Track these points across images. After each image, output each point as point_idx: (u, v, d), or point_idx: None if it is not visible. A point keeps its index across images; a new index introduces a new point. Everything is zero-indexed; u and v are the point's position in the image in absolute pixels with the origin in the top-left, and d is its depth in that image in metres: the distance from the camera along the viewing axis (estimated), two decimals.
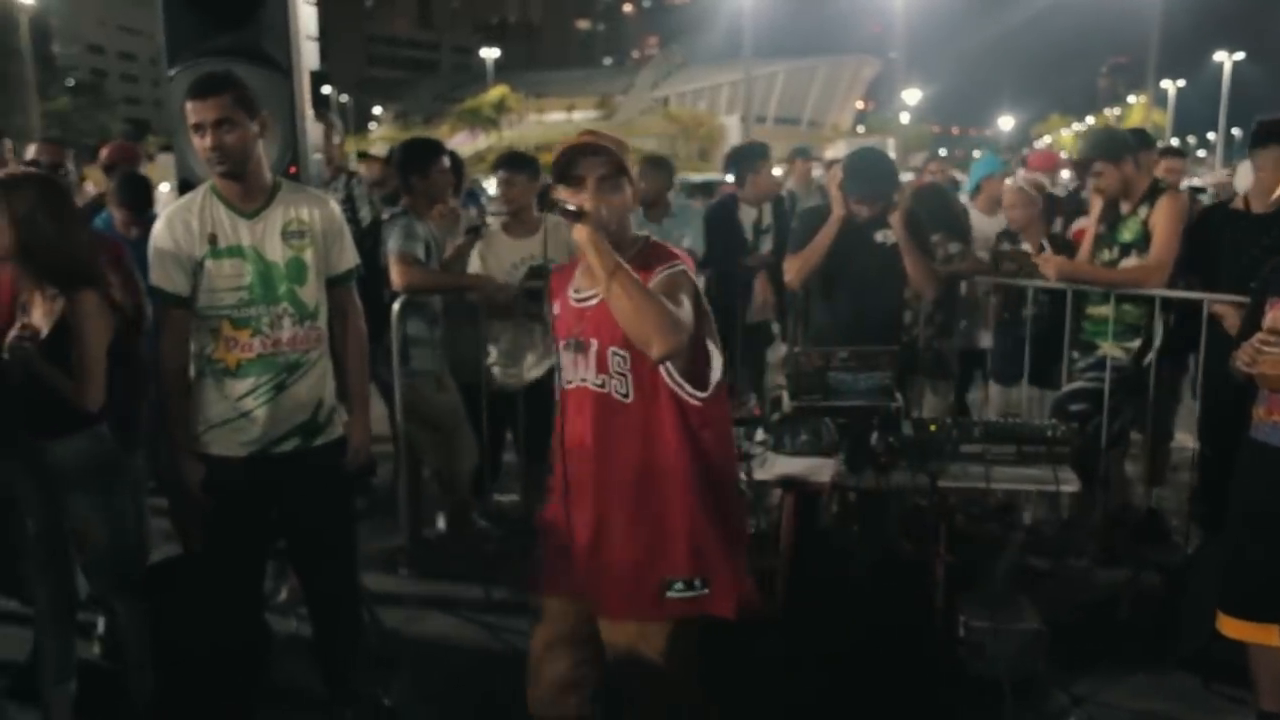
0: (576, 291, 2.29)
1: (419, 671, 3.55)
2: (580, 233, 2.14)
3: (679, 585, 2.22)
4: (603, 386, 2.23)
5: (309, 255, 2.83)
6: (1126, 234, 4.13)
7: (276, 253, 2.79)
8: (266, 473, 2.82)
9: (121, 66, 77.01)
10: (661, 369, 2.19)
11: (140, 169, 5.22)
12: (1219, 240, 4.09)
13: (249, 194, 2.78)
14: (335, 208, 2.97)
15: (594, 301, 2.22)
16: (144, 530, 3.71)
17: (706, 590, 2.23)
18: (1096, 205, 4.24)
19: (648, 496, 2.24)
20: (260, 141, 2.79)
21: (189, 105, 2.70)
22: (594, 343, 2.22)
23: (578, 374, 2.25)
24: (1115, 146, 4.12)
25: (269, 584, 3.88)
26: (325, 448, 2.91)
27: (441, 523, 4.72)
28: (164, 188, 6.06)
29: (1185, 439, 4.94)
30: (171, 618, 3.13)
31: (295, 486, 2.86)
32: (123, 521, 2.99)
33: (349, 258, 2.96)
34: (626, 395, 2.22)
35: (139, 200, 4.27)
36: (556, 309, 2.33)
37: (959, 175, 17.29)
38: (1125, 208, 4.14)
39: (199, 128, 2.68)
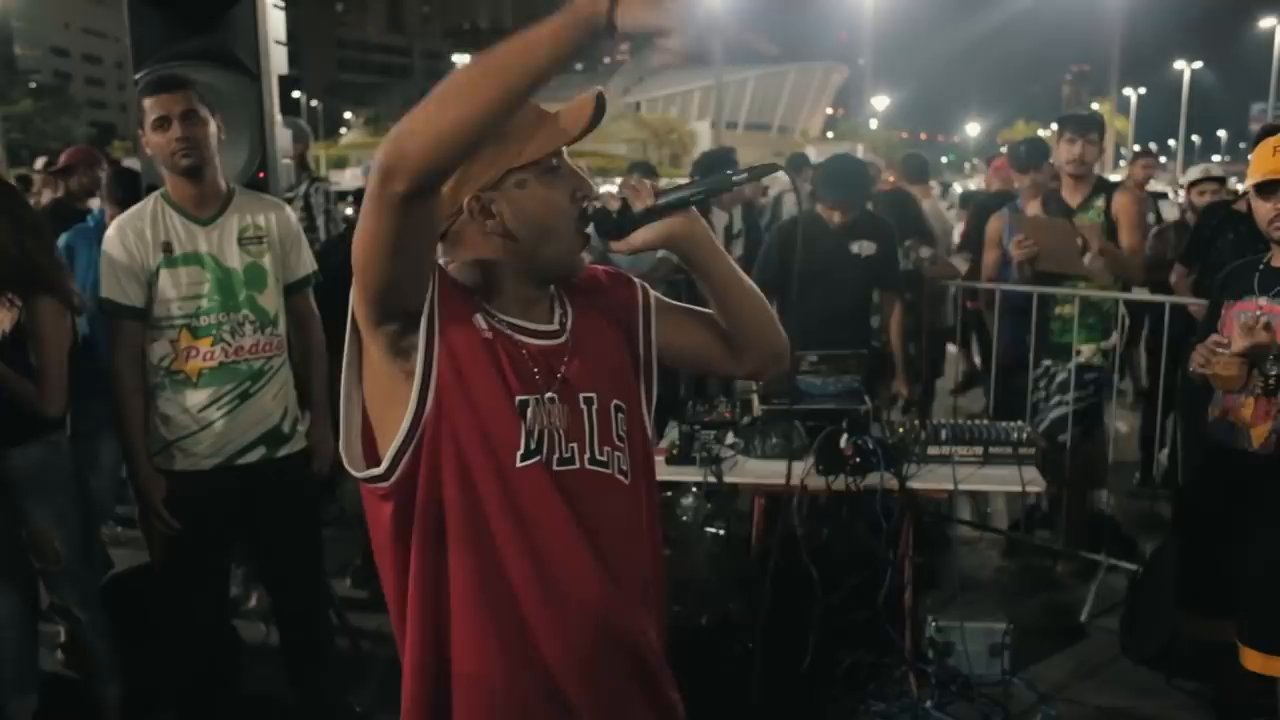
0: (519, 324, 1.43)
1: (390, 678, 3.53)
2: (696, 227, 1.48)
3: None
4: (606, 465, 1.45)
5: (267, 261, 2.80)
6: (1086, 222, 4.20)
7: (234, 259, 2.75)
8: (232, 484, 2.78)
9: (86, 70, 76.22)
10: (649, 422, 1.59)
11: (100, 172, 5.14)
12: (1216, 240, 4.17)
13: (204, 199, 2.74)
14: (291, 213, 2.94)
15: (563, 339, 1.47)
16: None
17: None
18: (1034, 207, 4.35)
19: (653, 626, 1.52)
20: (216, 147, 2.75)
21: (150, 101, 2.66)
22: (591, 398, 1.45)
23: (554, 452, 1.40)
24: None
25: (238, 590, 3.86)
26: (291, 458, 2.87)
27: None
28: None
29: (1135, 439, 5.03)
30: (137, 628, 3.11)
31: (262, 497, 2.82)
32: (83, 530, 2.95)
33: (306, 264, 2.92)
34: (627, 473, 1.48)
35: (133, 196, 4.21)
36: (442, 351, 1.35)
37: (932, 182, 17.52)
38: (1074, 200, 4.21)
39: (164, 121, 2.64)
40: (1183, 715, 3.21)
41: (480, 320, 1.39)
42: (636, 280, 1.61)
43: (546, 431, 1.39)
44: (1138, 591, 3.45)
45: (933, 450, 3.31)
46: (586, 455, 1.43)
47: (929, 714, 3.22)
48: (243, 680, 3.16)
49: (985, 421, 3.55)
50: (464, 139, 1.15)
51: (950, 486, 3.27)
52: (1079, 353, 4.21)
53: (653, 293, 1.61)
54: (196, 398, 2.72)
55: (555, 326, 1.47)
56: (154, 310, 2.70)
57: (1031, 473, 3.28)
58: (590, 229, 1.44)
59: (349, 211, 6.26)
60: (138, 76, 3.35)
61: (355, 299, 1.31)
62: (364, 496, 1.43)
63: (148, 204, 2.75)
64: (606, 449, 1.45)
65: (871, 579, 3.32)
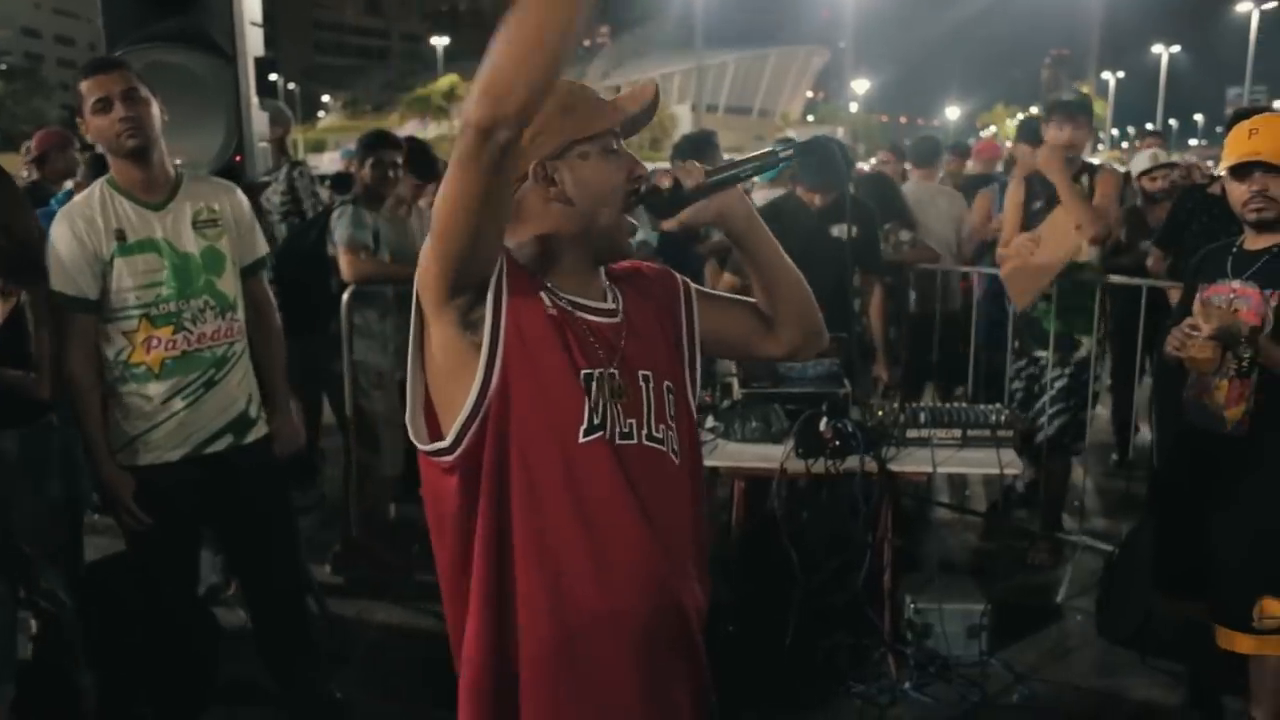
0: (579, 301, 1.47)
1: (371, 663, 3.53)
2: (743, 203, 1.55)
3: None
4: (661, 442, 1.49)
5: (225, 244, 2.75)
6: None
7: (190, 244, 2.68)
8: (201, 474, 2.73)
9: (58, 51, 75.09)
10: (694, 408, 1.61)
11: (74, 153, 5.08)
12: (1192, 224, 4.20)
13: (153, 184, 2.66)
14: (242, 196, 2.88)
15: (619, 318, 1.51)
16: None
17: None
18: (1018, 185, 4.37)
19: (698, 605, 1.56)
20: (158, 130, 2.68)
21: (87, 84, 2.58)
22: (648, 376, 1.50)
23: (617, 428, 1.44)
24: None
25: (217, 578, 3.84)
26: (258, 444, 2.84)
27: (393, 513, 4.70)
28: None
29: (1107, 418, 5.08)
30: (116, 615, 3.09)
31: (232, 485, 2.78)
32: (71, 514, 2.94)
33: (260, 246, 2.89)
34: (678, 454, 1.52)
35: None
36: (509, 323, 1.39)
37: (908, 166, 17.55)
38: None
39: (104, 102, 2.56)
40: (1157, 694, 3.26)
41: (545, 298, 1.43)
42: (675, 273, 1.66)
43: (609, 406, 1.43)
44: (1113, 572, 3.48)
45: (911, 433, 3.33)
46: (644, 432, 1.47)
47: (907, 695, 3.25)
48: (222, 667, 3.15)
49: (964, 404, 3.57)
50: (551, 61, 1.18)
51: (929, 469, 3.29)
52: (1079, 344, 4.22)
53: (692, 283, 1.66)
54: (159, 388, 2.66)
55: (611, 305, 1.52)
56: (110, 301, 2.61)
57: (1009, 455, 3.30)
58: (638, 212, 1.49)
59: (326, 196, 6.20)
60: None
61: (427, 273, 1.35)
62: (425, 471, 1.45)
63: (94, 191, 2.64)
64: (661, 427, 1.49)
65: (851, 562, 3.35)
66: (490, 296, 1.37)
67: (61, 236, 2.59)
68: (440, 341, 1.39)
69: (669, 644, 1.48)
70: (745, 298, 1.67)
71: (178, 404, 2.68)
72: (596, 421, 1.40)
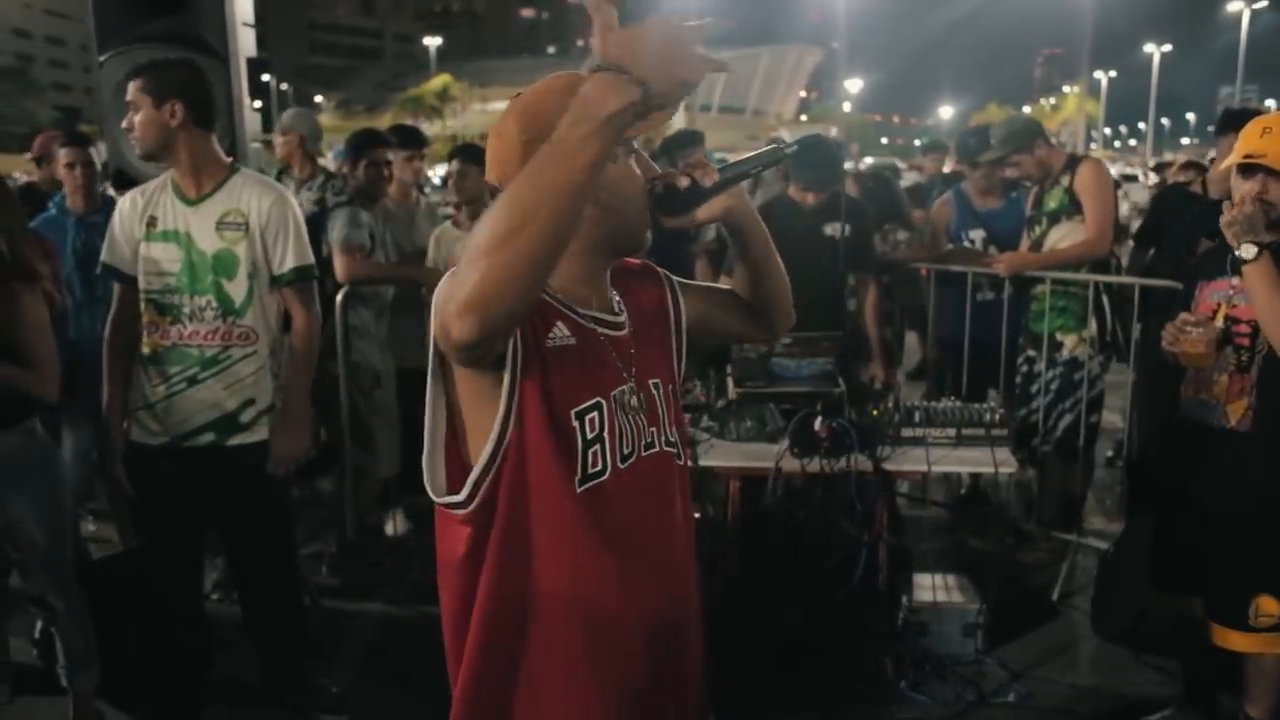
0: (598, 316, 1.46)
1: (368, 663, 3.53)
2: (746, 199, 1.55)
3: None
4: (674, 446, 1.53)
5: (241, 249, 2.76)
6: (1052, 203, 4.23)
7: (208, 242, 2.75)
8: (185, 464, 2.80)
9: (50, 52, 74.87)
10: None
11: None
12: (1173, 223, 4.20)
13: (189, 181, 2.78)
14: (286, 204, 2.83)
15: (627, 330, 1.50)
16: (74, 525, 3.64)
17: None
18: (975, 184, 4.35)
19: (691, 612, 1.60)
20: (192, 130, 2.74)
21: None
22: (658, 383, 1.51)
23: (641, 439, 1.46)
24: (1025, 135, 4.25)
25: (221, 577, 3.83)
26: (249, 447, 2.83)
27: (388, 514, 4.68)
28: None
29: (1116, 419, 5.07)
30: (112, 615, 3.08)
31: (218, 480, 2.82)
32: (59, 518, 2.92)
33: (292, 257, 2.82)
34: (681, 455, 1.56)
35: None
36: (526, 369, 1.35)
37: (900, 162, 17.51)
38: (1048, 183, 4.25)
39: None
40: (1151, 690, 3.26)
41: (561, 327, 1.40)
42: (655, 267, 1.65)
43: (632, 419, 1.44)
44: (1107, 569, 3.49)
45: (906, 432, 3.33)
46: (663, 438, 1.50)
47: (904, 694, 3.25)
48: (220, 666, 3.15)
49: (958, 404, 3.57)
50: (519, 294, 1.16)
51: (924, 468, 3.29)
52: (1061, 344, 4.22)
53: (674, 276, 1.65)
54: (151, 374, 2.79)
55: (622, 318, 1.51)
56: (140, 282, 2.79)
57: (1004, 453, 3.30)
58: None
59: None
60: (102, 59, 3.31)
61: (440, 339, 1.28)
62: (438, 516, 1.43)
63: (159, 179, 2.84)
64: (674, 430, 1.53)
65: (847, 560, 3.34)
66: (509, 353, 1.31)
67: (116, 212, 2.84)
68: (462, 381, 1.36)
69: (660, 663, 1.49)
70: (720, 285, 1.71)
71: (161, 392, 2.79)
72: (592, 469, 1.38)
